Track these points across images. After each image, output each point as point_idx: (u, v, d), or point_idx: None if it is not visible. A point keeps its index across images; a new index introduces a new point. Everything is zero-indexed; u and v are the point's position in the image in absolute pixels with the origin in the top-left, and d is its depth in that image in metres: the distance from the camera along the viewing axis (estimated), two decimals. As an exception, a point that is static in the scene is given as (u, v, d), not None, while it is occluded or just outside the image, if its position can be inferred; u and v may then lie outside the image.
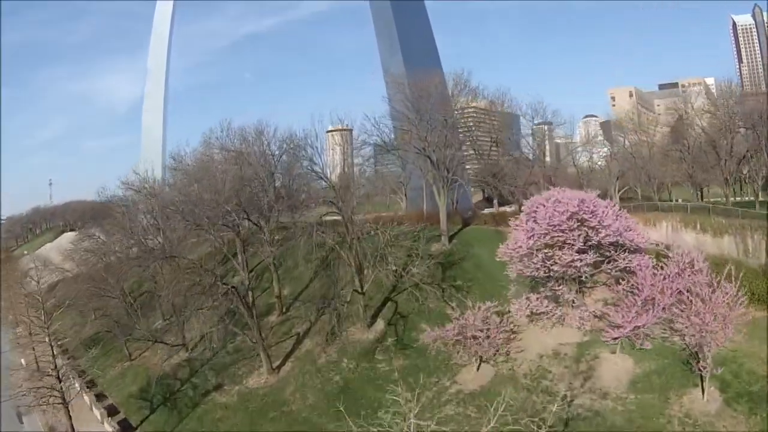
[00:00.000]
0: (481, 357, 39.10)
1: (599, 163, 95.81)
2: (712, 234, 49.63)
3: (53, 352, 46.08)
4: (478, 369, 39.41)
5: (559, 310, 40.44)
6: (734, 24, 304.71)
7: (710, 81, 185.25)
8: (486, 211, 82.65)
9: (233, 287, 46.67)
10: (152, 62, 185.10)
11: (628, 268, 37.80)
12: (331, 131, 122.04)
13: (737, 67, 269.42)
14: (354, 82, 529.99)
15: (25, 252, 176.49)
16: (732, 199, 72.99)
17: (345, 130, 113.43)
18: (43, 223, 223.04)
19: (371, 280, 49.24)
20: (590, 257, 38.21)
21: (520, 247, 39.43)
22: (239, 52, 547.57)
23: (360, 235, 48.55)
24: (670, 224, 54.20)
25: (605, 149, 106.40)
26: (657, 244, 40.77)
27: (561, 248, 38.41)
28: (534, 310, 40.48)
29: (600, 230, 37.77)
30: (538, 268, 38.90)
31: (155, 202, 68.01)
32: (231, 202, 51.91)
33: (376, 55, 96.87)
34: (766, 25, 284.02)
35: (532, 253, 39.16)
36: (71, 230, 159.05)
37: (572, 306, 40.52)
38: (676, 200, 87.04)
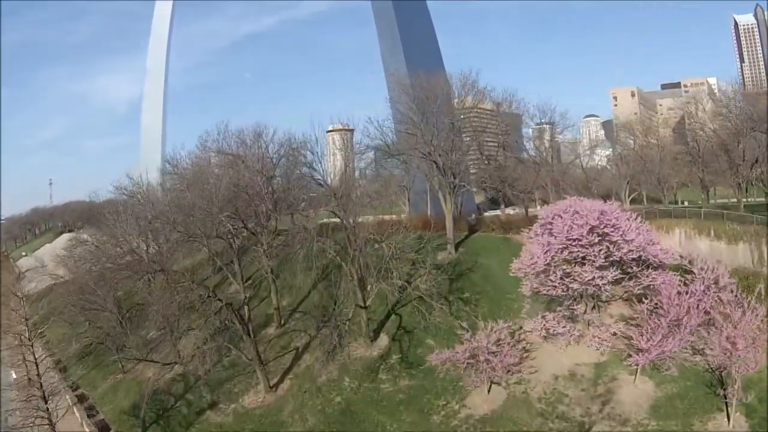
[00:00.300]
0: (491, 379, 36.79)
1: (607, 166, 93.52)
2: (726, 241, 47.73)
3: (38, 371, 43.61)
4: (488, 391, 37.07)
5: (576, 330, 37.93)
6: (736, 24, 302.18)
7: (712, 81, 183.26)
8: (490, 213, 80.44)
9: (228, 304, 44.17)
10: (151, 62, 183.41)
11: (651, 286, 35.40)
12: (331, 131, 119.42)
13: (739, 67, 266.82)
14: (354, 83, 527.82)
15: (24, 253, 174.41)
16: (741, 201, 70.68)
17: (346, 130, 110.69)
18: (43, 223, 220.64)
19: (374, 293, 46.79)
20: (611, 274, 35.57)
21: (536, 262, 36.61)
22: (239, 52, 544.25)
23: (362, 247, 45.93)
24: (684, 231, 52.12)
25: (609, 150, 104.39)
26: (681, 257, 38.17)
27: (581, 264, 35.83)
28: (550, 330, 37.93)
29: (622, 245, 35.19)
30: (555, 286, 36.18)
31: (148, 210, 65.48)
32: (226, 210, 49.40)
33: (377, 55, 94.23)
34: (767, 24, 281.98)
35: (549, 269, 36.50)
36: (70, 231, 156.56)
37: (590, 325, 38.10)
38: (682, 202, 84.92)
